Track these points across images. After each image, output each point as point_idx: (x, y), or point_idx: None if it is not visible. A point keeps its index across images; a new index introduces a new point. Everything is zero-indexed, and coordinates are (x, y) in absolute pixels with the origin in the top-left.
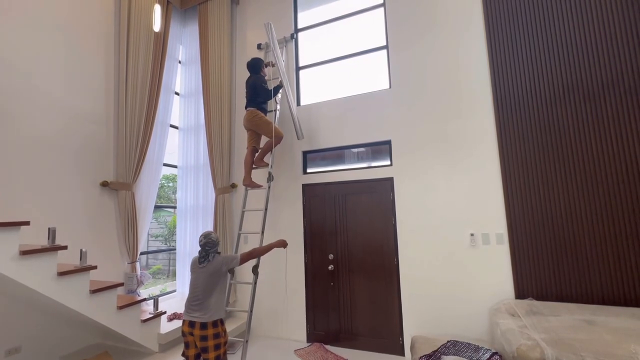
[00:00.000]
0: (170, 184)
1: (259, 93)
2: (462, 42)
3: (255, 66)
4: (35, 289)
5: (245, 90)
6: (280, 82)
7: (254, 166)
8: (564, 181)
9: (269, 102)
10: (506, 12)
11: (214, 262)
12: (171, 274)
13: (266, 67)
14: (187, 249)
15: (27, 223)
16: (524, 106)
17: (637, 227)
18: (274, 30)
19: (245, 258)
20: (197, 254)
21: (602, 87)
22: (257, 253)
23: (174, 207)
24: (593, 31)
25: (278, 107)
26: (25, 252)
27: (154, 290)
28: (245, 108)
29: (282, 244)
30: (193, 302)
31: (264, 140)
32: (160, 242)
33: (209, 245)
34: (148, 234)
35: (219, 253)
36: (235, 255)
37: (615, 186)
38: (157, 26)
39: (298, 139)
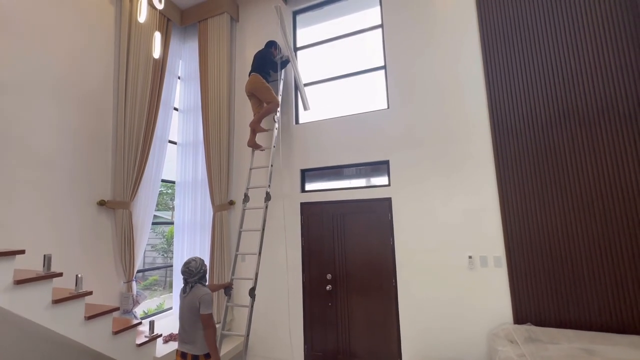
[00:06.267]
0: (169, 191)
1: (267, 63)
2: (459, 64)
3: (268, 43)
4: (29, 319)
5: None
6: (288, 57)
7: (262, 147)
8: (561, 205)
9: (274, 75)
10: (502, 36)
11: (192, 294)
12: (168, 286)
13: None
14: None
15: (22, 252)
16: (520, 130)
17: (634, 253)
18: (282, 13)
19: (210, 323)
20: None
21: (598, 113)
22: (212, 335)
23: (172, 223)
24: (588, 57)
25: (282, 77)
26: (19, 282)
27: (151, 304)
28: (249, 74)
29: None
30: (184, 334)
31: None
32: (156, 253)
33: (186, 274)
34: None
35: (203, 283)
36: (210, 307)
37: (612, 211)
38: (157, 53)
39: (305, 110)
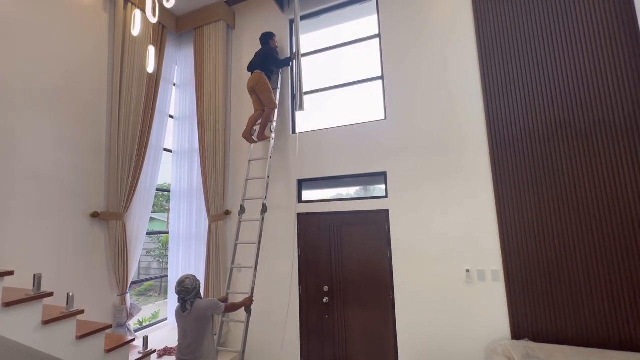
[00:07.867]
0: (166, 193)
1: (270, 61)
2: (456, 76)
3: (265, 39)
4: (18, 342)
5: (252, 66)
6: (293, 54)
7: (256, 140)
8: (558, 219)
9: (275, 77)
10: (499, 48)
11: (197, 307)
12: (163, 292)
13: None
14: (180, 276)
15: (10, 273)
16: (518, 142)
17: (630, 268)
18: (298, 8)
19: (229, 309)
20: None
21: (595, 125)
22: (237, 307)
23: (166, 232)
24: (585, 70)
25: (279, 86)
26: (8, 304)
27: (146, 312)
28: (251, 70)
29: (249, 301)
30: (186, 349)
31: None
32: (152, 258)
33: (183, 293)
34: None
35: (200, 297)
36: (220, 304)
37: (609, 225)
38: (151, 67)
39: (298, 109)
